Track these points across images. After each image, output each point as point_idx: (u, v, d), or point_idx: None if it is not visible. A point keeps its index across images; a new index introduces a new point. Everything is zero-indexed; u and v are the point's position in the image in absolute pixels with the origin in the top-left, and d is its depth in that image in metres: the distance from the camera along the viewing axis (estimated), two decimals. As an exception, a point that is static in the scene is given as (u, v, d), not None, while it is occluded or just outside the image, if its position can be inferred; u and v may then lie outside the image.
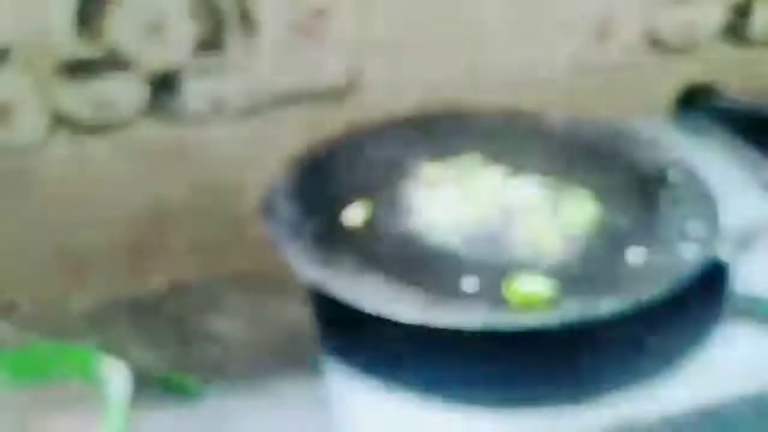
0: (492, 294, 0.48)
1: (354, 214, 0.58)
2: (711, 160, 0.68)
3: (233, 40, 0.69)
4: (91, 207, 0.72)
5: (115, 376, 0.53)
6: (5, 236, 0.71)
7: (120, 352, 0.66)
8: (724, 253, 0.50)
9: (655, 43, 0.80)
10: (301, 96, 0.73)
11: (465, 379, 0.47)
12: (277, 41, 0.70)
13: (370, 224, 0.57)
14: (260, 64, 0.71)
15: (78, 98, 0.68)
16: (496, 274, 0.51)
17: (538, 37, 0.76)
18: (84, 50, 0.66)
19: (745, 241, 0.51)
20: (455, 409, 0.45)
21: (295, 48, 0.71)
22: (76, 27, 0.65)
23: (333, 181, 0.62)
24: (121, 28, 0.66)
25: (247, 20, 0.69)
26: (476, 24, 0.74)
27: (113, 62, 0.67)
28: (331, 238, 0.54)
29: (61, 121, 0.69)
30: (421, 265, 0.52)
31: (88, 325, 0.71)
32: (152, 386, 0.63)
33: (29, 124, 0.68)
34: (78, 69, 0.67)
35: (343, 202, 0.60)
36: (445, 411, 0.45)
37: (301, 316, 0.69)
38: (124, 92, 0.69)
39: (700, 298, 0.52)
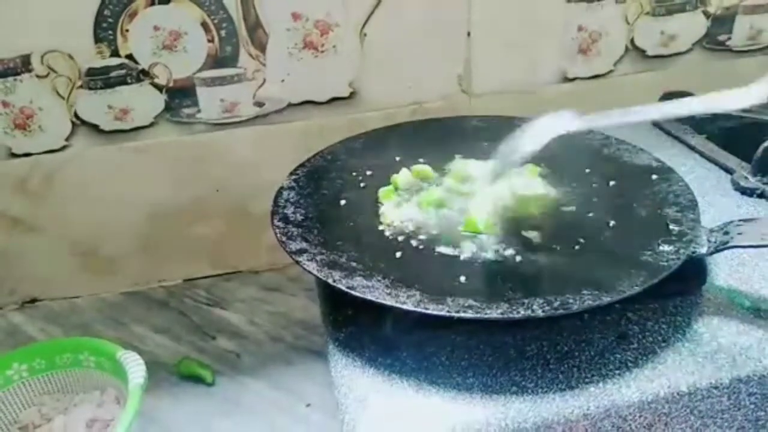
0: (483, 287, 0.49)
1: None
2: (688, 163, 0.69)
3: (243, 52, 0.69)
4: (110, 208, 0.72)
5: (133, 368, 0.53)
6: (28, 235, 0.72)
7: (138, 346, 0.67)
8: (701, 248, 0.51)
9: (638, 54, 0.80)
10: (307, 105, 0.73)
11: (458, 367, 0.48)
12: (284, 54, 0.70)
13: (371, 223, 0.57)
14: (269, 75, 0.71)
15: (98, 105, 0.68)
16: (485, 269, 0.51)
17: (525, 49, 0.76)
18: (104, 60, 0.67)
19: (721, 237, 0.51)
20: (448, 395, 0.46)
21: (301, 60, 0.71)
22: (97, 37, 0.66)
23: (336, 184, 0.62)
24: (139, 40, 0.67)
25: (256, 34, 0.69)
26: (466, 37, 0.74)
27: (132, 71, 0.68)
28: (336, 237, 0.54)
29: (81, 127, 0.69)
30: (418, 262, 0.52)
31: (107, 319, 0.72)
32: (168, 376, 0.64)
33: (52, 129, 0.68)
34: (99, 77, 0.67)
35: (346, 204, 0.60)
36: (439, 398, 0.46)
37: (310, 311, 0.69)
38: (141, 100, 0.69)
39: (680, 292, 0.52)
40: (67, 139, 0.69)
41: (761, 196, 0.63)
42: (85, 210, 0.72)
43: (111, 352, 0.56)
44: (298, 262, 0.51)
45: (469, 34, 0.74)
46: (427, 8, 0.71)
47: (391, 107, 0.74)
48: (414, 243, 0.54)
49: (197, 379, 0.63)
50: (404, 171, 0.62)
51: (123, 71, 0.68)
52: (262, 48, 0.70)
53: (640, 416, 0.46)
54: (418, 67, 0.74)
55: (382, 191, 0.60)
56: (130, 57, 0.67)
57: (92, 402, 0.57)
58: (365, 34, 0.71)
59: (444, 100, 0.76)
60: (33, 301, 0.75)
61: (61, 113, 0.68)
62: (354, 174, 0.63)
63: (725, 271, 0.54)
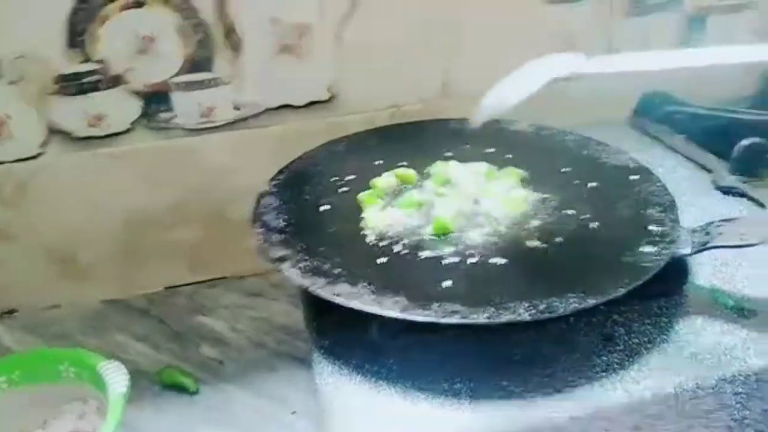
0: (468, 291, 0.48)
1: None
2: (667, 163, 0.69)
3: (220, 56, 0.68)
4: (87, 215, 0.70)
5: (115, 377, 0.52)
6: (5, 244, 0.69)
7: (119, 355, 0.65)
8: (684, 249, 0.51)
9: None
10: (285, 109, 0.72)
11: (445, 372, 0.47)
12: (260, 58, 0.69)
13: (353, 228, 0.56)
14: (245, 79, 0.70)
15: (71, 111, 0.67)
16: (470, 273, 0.51)
17: (504, 50, 0.75)
18: (76, 65, 0.65)
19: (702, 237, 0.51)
20: (436, 401, 0.45)
21: (278, 64, 0.70)
22: (69, 42, 0.64)
23: (317, 189, 0.61)
24: (112, 45, 0.65)
25: (232, 38, 0.68)
26: (448, 40, 0.73)
27: (105, 77, 0.66)
28: (318, 244, 0.53)
29: (55, 134, 0.67)
30: (403, 267, 0.51)
31: (87, 329, 0.70)
32: (150, 385, 0.62)
33: (24, 136, 0.66)
34: (71, 83, 0.66)
35: (328, 209, 0.59)
36: (426, 403, 0.45)
37: (293, 316, 0.68)
38: (116, 105, 0.67)
39: (664, 292, 0.52)
40: (40, 147, 0.67)
41: (740, 194, 0.63)
42: (62, 218, 0.70)
43: (92, 362, 0.54)
44: (280, 270, 0.50)
45: (448, 36, 0.73)
46: (405, 11, 0.70)
47: (371, 110, 0.73)
48: (397, 248, 0.53)
49: (180, 388, 0.62)
50: (386, 174, 0.61)
51: (96, 77, 0.66)
52: (238, 52, 0.68)
53: (627, 418, 0.45)
54: (398, 69, 0.73)
55: (363, 195, 0.59)
56: (103, 62, 0.66)
57: (73, 413, 0.56)
58: (343, 37, 0.70)
59: (424, 103, 0.75)
60: (11, 311, 0.73)
61: (33, 120, 0.66)
62: (335, 179, 0.63)
63: (708, 271, 0.54)
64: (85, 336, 0.69)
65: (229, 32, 0.67)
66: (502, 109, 0.48)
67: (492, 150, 0.66)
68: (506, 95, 0.47)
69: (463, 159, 0.64)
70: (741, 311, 0.50)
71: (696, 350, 0.48)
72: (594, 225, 0.55)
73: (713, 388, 0.46)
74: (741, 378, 0.46)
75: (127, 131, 0.69)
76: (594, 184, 0.60)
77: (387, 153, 0.65)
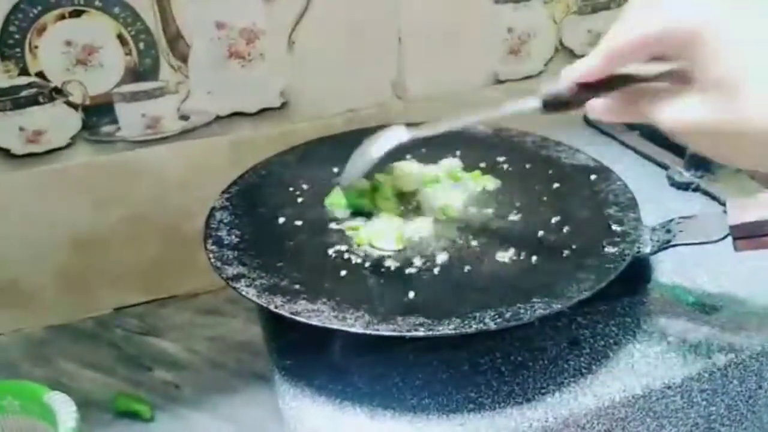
0: (432, 302, 0.47)
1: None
2: (624, 161, 0.69)
3: (165, 64, 0.66)
4: (29, 236, 0.67)
5: (63, 409, 0.49)
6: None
7: (68, 383, 0.62)
8: (645, 248, 0.51)
9: (567, 53, 0.80)
10: (236, 117, 0.70)
11: (412, 387, 0.46)
12: (208, 64, 0.67)
13: (312, 241, 0.54)
14: (193, 87, 0.67)
15: (8, 127, 0.63)
16: (433, 283, 0.50)
17: (456, 52, 0.75)
18: (13, 79, 0.62)
19: (663, 236, 0.51)
20: (404, 418, 0.44)
21: (228, 70, 0.68)
22: (2, 55, 0.61)
23: (273, 201, 0.59)
24: (51, 56, 0.62)
25: (177, 45, 0.65)
26: (398, 43, 0.72)
27: (44, 90, 0.63)
28: (276, 259, 0.52)
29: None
30: (364, 279, 0.50)
31: (32, 357, 0.67)
32: (103, 414, 0.59)
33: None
34: (7, 98, 0.62)
35: (285, 222, 0.57)
36: (393, 422, 0.44)
37: (251, 332, 0.66)
38: (55, 120, 0.64)
39: (627, 292, 0.52)
40: (-24, 166, 0.64)
41: (696, 190, 0.64)
42: (1, 240, 0.66)
43: (37, 394, 0.51)
44: (235, 289, 0.48)
45: (399, 39, 0.72)
46: (355, 14, 0.69)
47: (326, 116, 0.72)
48: (359, 260, 0.52)
49: (134, 416, 0.59)
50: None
51: (34, 90, 0.63)
52: (184, 59, 0.66)
53: (598, 423, 0.45)
54: (351, 74, 0.72)
55: (330, 197, 0.58)
56: (40, 75, 0.63)
57: (20, 450, 0.53)
58: (293, 42, 0.69)
59: (379, 107, 0.74)
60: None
61: (-32, 139, 0.63)
62: (291, 189, 0.61)
63: (669, 268, 0.55)
64: (31, 365, 0.66)
65: (174, 39, 0.65)
66: (360, 173, 0.57)
67: (450, 154, 0.65)
68: (360, 162, 0.56)
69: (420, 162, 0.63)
70: (703, 307, 0.51)
71: (661, 350, 0.48)
72: (556, 227, 0.55)
73: (680, 387, 0.46)
74: (706, 375, 0.46)
75: (68, 146, 0.65)
76: (556, 185, 0.60)
77: (343, 161, 0.63)
